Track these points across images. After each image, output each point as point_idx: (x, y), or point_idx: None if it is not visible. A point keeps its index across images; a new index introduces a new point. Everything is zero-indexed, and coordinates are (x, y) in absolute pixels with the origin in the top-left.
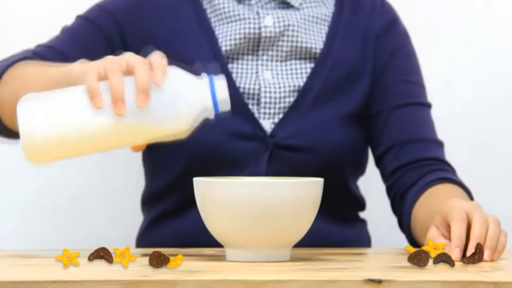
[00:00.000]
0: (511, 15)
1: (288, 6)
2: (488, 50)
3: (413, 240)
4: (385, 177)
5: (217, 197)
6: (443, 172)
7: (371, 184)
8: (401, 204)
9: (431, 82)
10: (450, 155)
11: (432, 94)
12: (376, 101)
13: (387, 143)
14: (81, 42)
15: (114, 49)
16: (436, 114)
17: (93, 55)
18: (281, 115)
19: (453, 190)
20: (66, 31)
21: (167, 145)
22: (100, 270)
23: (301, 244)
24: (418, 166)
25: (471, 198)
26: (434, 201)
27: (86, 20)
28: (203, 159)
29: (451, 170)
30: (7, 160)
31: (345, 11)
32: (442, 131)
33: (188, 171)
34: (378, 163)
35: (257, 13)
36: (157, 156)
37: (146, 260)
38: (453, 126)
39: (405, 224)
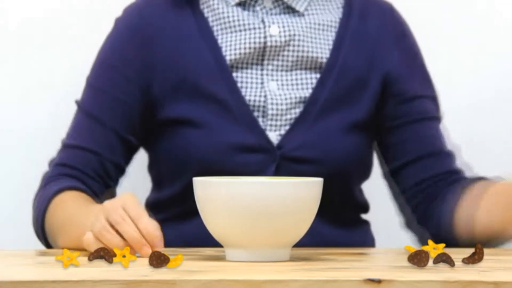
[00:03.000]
0: (511, 17)
1: (294, 11)
2: (487, 51)
3: (452, 239)
4: (405, 189)
5: (217, 197)
6: (475, 177)
7: (372, 185)
8: (439, 205)
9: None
10: None
11: None
12: (390, 115)
13: (403, 157)
14: (102, 125)
15: (134, 96)
16: None
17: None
18: (287, 127)
19: (491, 182)
20: (84, 114)
21: (172, 159)
22: (100, 270)
23: (304, 246)
24: (445, 178)
25: None
26: (480, 191)
27: (100, 93)
28: (208, 172)
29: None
30: (8, 160)
31: (353, 18)
32: None
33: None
34: (393, 177)
35: (263, 22)
36: (163, 168)
37: (146, 260)
38: (452, 128)
39: (443, 225)
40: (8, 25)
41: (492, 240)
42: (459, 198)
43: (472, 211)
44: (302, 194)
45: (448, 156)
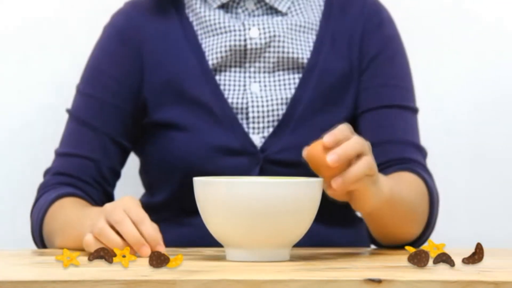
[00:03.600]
0: (507, 24)
1: (276, 12)
2: (483, 59)
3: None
4: None
5: (217, 197)
6: (408, 166)
7: None
8: None
9: (428, 92)
10: (447, 164)
11: (429, 104)
12: (356, 103)
13: None
14: (95, 131)
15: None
16: (433, 124)
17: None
18: (270, 129)
19: (402, 175)
20: (76, 122)
21: (158, 163)
22: (100, 270)
23: (300, 247)
24: (383, 168)
25: (431, 194)
26: None
27: (91, 100)
28: (194, 175)
29: (425, 171)
30: (7, 160)
31: (333, 16)
32: (438, 141)
33: (182, 188)
34: None
35: (243, 24)
36: (151, 173)
37: (146, 260)
38: (450, 136)
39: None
40: (8, 26)
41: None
42: None
43: None
44: (302, 194)
45: (400, 144)
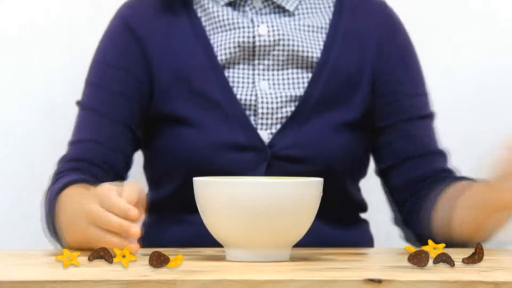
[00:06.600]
0: (509, 15)
1: (284, 11)
2: (485, 50)
3: (433, 240)
4: (392, 188)
5: (217, 197)
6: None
7: (371, 184)
8: (420, 205)
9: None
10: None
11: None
12: (381, 115)
13: (393, 157)
14: (103, 117)
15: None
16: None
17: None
18: (278, 126)
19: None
20: (85, 110)
21: (165, 157)
22: (100, 270)
23: (302, 246)
24: (434, 177)
25: None
26: (458, 191)
27: (100, 89)
28: (200, 171)
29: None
30: (7, 160)
31: (344, 17)
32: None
33: (187, 183)
34: (383, 175)
35: (252, 21)
36: (156, 168)
37: (146, 260)
38: (449, 136)
39: (422, 225)
40: (9, 27)
41: (469, 241)
42: (437, 199)
43: (448, 213)
44: (302, 194)
45: (438, 155)
